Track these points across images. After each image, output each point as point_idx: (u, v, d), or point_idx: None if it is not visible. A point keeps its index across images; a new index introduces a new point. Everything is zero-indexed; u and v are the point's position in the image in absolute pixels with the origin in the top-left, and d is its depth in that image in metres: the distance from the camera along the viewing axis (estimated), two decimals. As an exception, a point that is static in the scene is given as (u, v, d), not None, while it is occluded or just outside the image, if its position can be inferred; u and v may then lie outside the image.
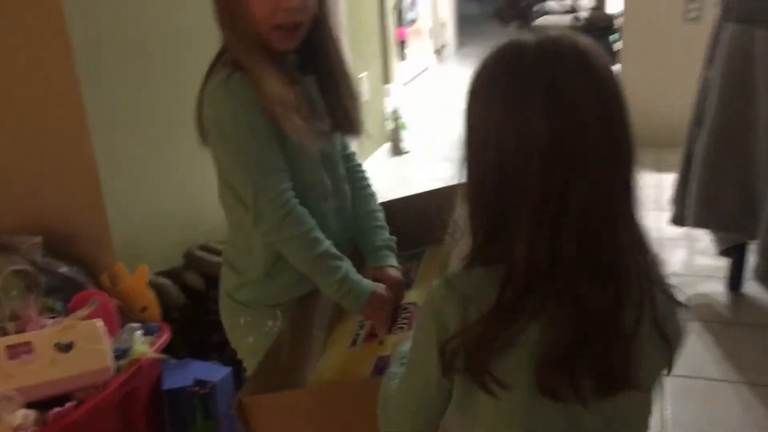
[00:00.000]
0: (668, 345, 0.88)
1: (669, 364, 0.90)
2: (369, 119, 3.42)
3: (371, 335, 1.38)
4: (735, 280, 2.47)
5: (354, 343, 1.39)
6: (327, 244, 1.32)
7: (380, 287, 1.36)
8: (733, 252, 2.44)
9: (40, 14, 1.81)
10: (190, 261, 2.15)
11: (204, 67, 1.35)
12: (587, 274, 0.83)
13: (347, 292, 1.33)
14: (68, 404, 1.61)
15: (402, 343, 1.15)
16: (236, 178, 1.34)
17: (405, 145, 4.10)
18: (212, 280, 2.13)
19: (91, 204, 1.95)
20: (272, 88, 1.27)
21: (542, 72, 0.81)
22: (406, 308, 1.39)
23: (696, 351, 2.18)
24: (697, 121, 2.36)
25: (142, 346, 1.81)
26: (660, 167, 3.56)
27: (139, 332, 1.87)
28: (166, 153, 2.19)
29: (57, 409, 1.58)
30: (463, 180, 0.88)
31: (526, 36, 0.84)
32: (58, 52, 1.82)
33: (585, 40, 0.84)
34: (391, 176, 3.75)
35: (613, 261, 0.84)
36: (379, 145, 3.95)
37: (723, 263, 2.51)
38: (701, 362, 2.13)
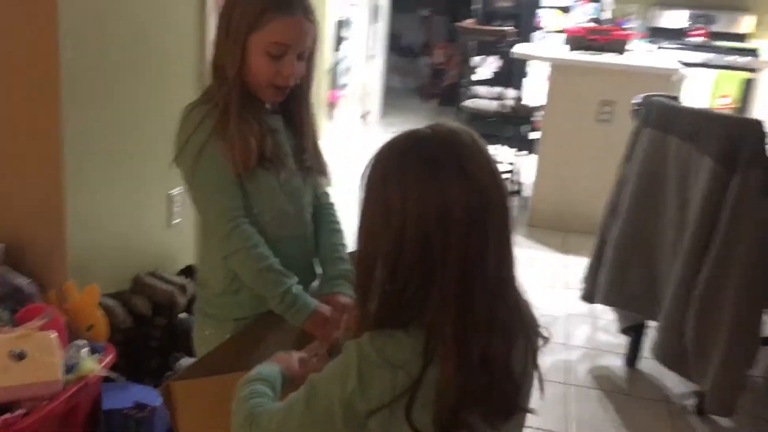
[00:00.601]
0: (539, 373, 1.08)
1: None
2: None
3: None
4: (633, 356, 2.73)
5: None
6: (273, 261, 1.46)
7: (324, 307, 1.49)
8: (633, 330, 2.71)
9: (34, 27, 1.87)
10: (138, 286, 2.19)
11: (180, 100, 1.49)
12: (493, 328, 0.98)
13: (290, 305, 1.45)
14: (18, 411, 1.61)
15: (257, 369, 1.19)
16: (195, 196, 1.50)
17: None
18: (159, 307, 2.19)
19: (51, 219, 1.98)
20: (237, 134, 1.42)
21: (448, 154, 0.97)
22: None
23: (597, 417, 2.40)
24: (612, 210, 2.65)
25: (91, 363, 1.84)
26: (567, 250, 3.87)
27: (85, 350, 1.89)
28: (130, 178, 2.25)
29: (8, 415, 1.59)
30: (370, 251, 1.00)
31: (422, 129, 1.02)
32: (46, 67, 1.87)
33: (469, 129, 1.02)
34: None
35: (508, 313, 1.01)
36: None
37: (623, 340, 2.78)
38: (601, 428, 2.34)
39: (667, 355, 2.39)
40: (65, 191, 1.96)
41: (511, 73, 5.84)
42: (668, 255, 2.42)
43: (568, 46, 4.40)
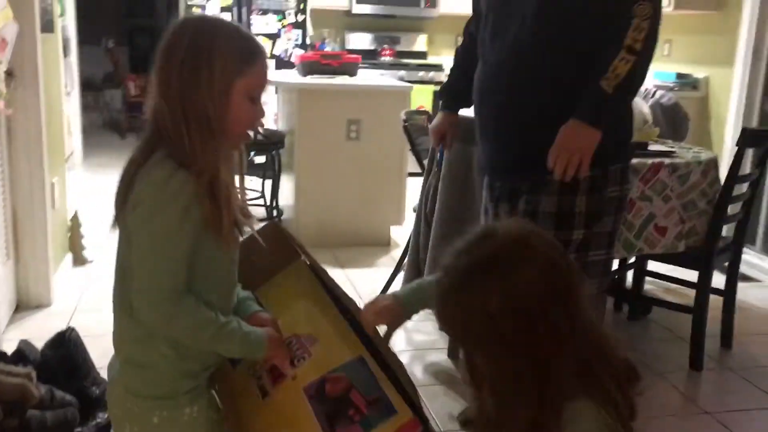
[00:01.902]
0: None
1: None
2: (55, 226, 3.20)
3: (276, 377, 1.45)
4: (455, 347, 3.00)
5: (265, 393, 1.45)
6: (215, 318, 1.38)
7: (269, 330, 1.47)
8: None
9: None
10: (-24, 387, 1.81)
11: None
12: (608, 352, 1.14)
13: (249, 346, 1.42)
14: None
15: None
16: (141, 266, 1.34)
17: (87, 253, 3.87)
18: (9, 405, 1.84)
19: None
20: (225, 188, 1.34)
21: (533, 241, 1.10)
22: (290, 341, 1.49)
23: (455, 409, 2.59)
24: (425, 218, 2.88)
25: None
26: (342, 264, 4.03)
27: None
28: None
29: None
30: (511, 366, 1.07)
31: (489, 237, 1.12)
32: None
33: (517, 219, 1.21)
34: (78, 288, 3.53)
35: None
36: (63, 256, 3.65)
37: (437, 336, 3.03)
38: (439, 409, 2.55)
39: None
40: None
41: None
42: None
43: (297, 71, 4.58)
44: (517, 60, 1.99)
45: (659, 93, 4.29)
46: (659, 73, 4.89)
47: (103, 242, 4.16)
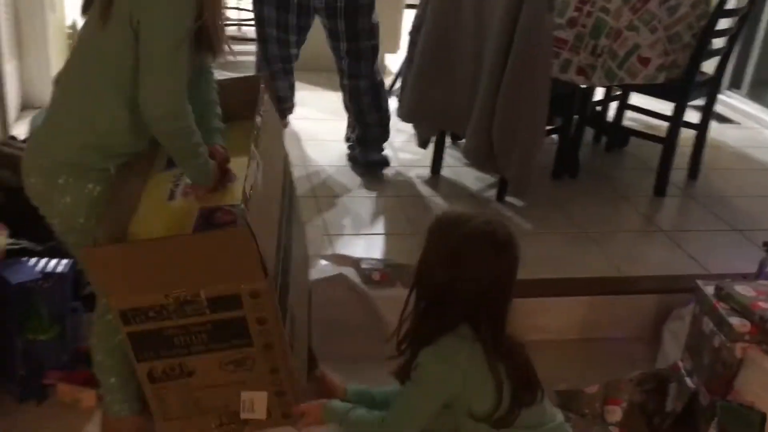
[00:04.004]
0: None
1: None
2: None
3: (187, 192, 1.62)
4: (437, 165, 3.19)
5: (172, 196, 1.62)
6: (198, 133, 1.54)
7: (215, 164, 1.62)
8: (430, 143, 3.16)
9: None
10: (-1, 159, 1.99)
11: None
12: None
13: (204, 174, 1.58)
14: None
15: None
16: (157, 64, 1.44)
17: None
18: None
19: None
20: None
21: (511, 239, 1.48)
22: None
23: (410, 211, 2.80)
24: (417, 27, 2.96)
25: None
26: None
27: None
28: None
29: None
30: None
31: (487, 221, 1.49)
32: None
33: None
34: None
35: None
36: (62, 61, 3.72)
37: (421, 155, 3.23)
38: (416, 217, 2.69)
39: (477, 156, 2.87)
40: None
41: None
42: (468, 73, 2.82)
43: None
44: None
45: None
46: None
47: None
